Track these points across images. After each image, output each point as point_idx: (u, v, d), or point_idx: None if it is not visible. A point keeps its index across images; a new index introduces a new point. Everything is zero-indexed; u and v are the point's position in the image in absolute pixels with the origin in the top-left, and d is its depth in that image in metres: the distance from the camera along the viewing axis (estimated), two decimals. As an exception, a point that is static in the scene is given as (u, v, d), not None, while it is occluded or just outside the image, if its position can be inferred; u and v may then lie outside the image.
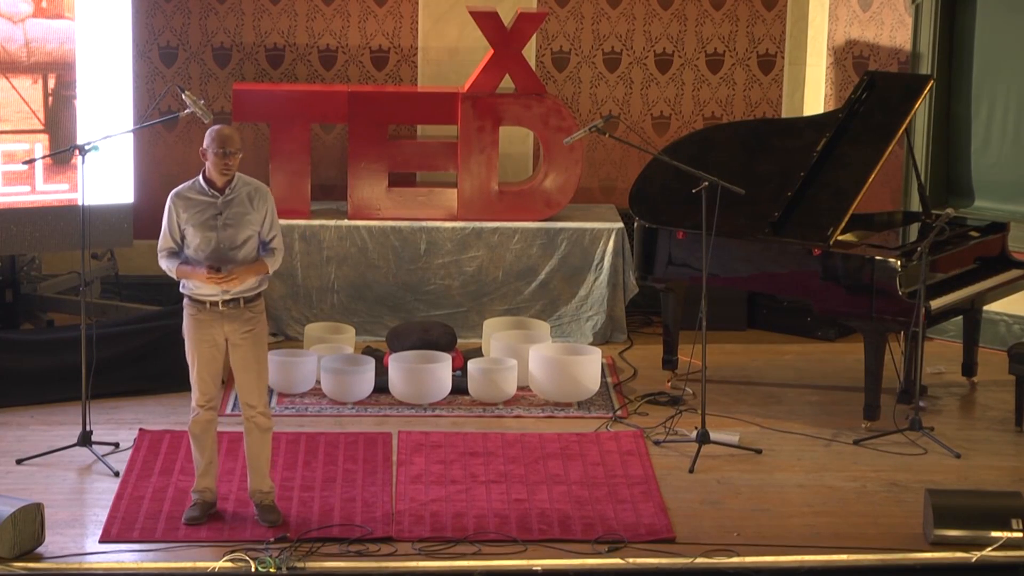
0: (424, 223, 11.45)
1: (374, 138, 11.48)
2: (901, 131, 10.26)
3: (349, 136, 11.51)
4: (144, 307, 11.14)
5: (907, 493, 8.92)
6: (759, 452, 9.48)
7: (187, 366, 10.32)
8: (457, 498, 8.72)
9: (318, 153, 12.02)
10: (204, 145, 8.18)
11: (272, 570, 7.83)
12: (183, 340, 10.32)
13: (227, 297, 8.22)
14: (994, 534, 8.20)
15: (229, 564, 7.87)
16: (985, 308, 10.92)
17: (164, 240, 8.26)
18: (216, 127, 8.20)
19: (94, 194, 10.18)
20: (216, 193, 8.21)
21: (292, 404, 10.18)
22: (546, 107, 11.52)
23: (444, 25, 12.08)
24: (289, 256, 11.31)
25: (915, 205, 11.41)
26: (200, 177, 8.25)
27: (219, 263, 8.14)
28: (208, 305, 8.25)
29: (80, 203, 9.39)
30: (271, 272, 8.36)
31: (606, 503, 8.70)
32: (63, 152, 10.03)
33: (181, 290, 8.33)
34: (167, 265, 8.27)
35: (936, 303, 9.82)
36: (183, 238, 8.23)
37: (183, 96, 9.70)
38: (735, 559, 8.08)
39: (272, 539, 8.12)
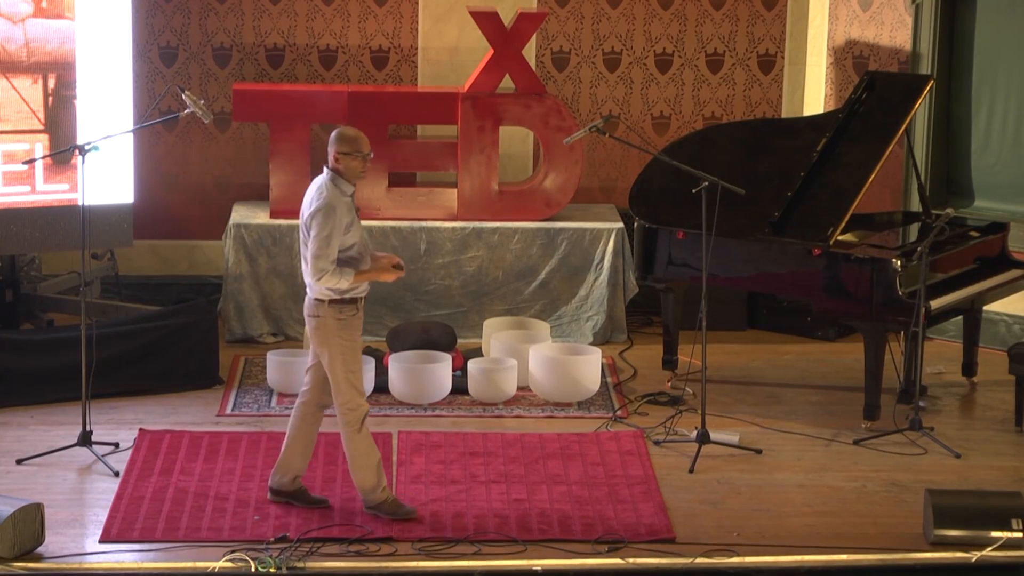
0: (424, 223, 11.45)
1: (374, 138, 11.38)
2: (901, 131, 10.26)
3: (349, 136, 11.50)
4: (144, 307, 11.13)
5: (907, 493, 8.92)
6: (759, 452, 9.48)
7: (188, 367, 10.38)
8: (457, 498, 8.72)
9: (318, 153, 12.01)
10: (338, 149, 8.20)
11: (272, 570, 7.83)
12: (183, 340, 10.39)
13: (366, 294, 8.35)
14: (994, 534, 8.20)
15: (229, 564, 7.87)
16: (985, 308, 10.92)
17: (333, 253, 8.13)
18: (343, 129, 8.27)
19: (94, 194, 10.19)
20: (353, 189, 8.29)
21: (292, 404, 10.15)
22: (546, 107, 11.52)
23: (444, 25, 12.08)
24: (289, 256, 11.31)
25: (915, 205, 11.41)
26: (334, 180, 8.23)
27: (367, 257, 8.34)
28: (361, 303, 8.32)
29: (80, 203, 9.39)
30: None
31: (606, 503, 8.70)
32: (63, 152, 10.03)
33: (332, 296, 8.20)
34: (340, 276, 8.13)
35: (936, 303, 9.82)
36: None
37: (183, 96, 9.70)
38: (735, 559, 8.08)
39: (272, 539, 8.12)
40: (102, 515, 8.42)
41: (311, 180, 11.43)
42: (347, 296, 8.24)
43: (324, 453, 9.29)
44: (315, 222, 8.15)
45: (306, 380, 8.55)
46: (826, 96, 12.17)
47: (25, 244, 10.90)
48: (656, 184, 10.66)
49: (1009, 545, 8.18)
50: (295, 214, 11.35)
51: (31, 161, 10.48)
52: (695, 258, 9.98)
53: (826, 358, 11.32)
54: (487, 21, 11.45)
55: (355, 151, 8.20)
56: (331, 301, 8.22)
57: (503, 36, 11.45)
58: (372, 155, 8.30)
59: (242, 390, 10.41)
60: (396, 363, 10.22)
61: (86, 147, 9.16)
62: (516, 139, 12.11)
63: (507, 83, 11.56)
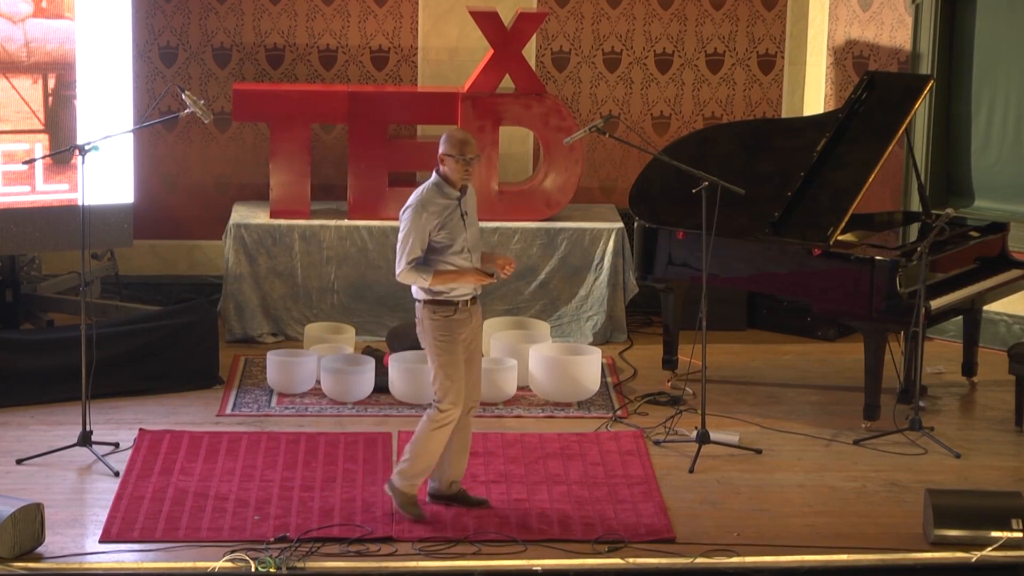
0: (424, 223, 11.44)
1: (374, 138, 11.48)
2: (901, 131, 10.26)
3: (349, 136, 11.51)
4: (144, 307, 11.14)
5: (907, 493, 8.92)
6: (759, 452, 9.48)
7: (188, 367, 10.38)
8: (457, 498, 8.73)
9: (318, 153, 12.02)
10: (442, 151, 8.19)
11: (272, 570, 7.83)
12: (183, 340, 10.40)
13: (475, 294, 8.31)
14: (994, 534, 8.20)
15: (229, 564, 7.87)
16: (985, 308, 10.92)
17: (412, 252, 8.16)
18: (451, 131, 8.26)
19: (94, 194, 10.19)
20: (458, 193, 8.24)
21: (292, 404, 10.18)
22: (546, 107, 11.52)
23: (444, 25, 12.08)
24: (289, 256, 11.32)
25: (915, 205, 11.41)
26: (438, 180, 8.23)
27: (474, 259, 8.27)
28: (462, 304, 8.26)
29: (80, 203, 9.39)
30: None
31: (606, 503, 8.70)
32: (63, 152, 10.03)
33: (425, 296, 8.24)
34: (417, 275, 8.17)
35: (936, 303, 9.82)
36: (429, 245, 8.21)
37: (183, 96, 9.70)
38: (735, 559, 8.08)
39: (272, 539, 8.12)
40: (102, 515, 8.42)
41: (310, 180, 11.57)
42: (441, 297, 8.24)
43: (324, 453, 9.29)
44: (402, 219, 8.22)
45: None
46: (826, 96, 12.17)
47: (25, 244, 10.90)
48: (656, 184, 10.66)
49: (1009, 545, 8.18)
50: (295, 214, 11.43)
51: (31, 161, 10.48)
52: (695, 258, 9.98)
53: (826, 358, 11.32)
54: (487, 21, 11.45)
55: (457, 154, 8.17)
56: (426, 301, 8.26)
57: (503, 36, 11.45)
58: (477, 158, 8.23)
59: (242, 390, 10.41)
60: (396, 363, 10.21)
61: (86, 147, 9.16)
62: (516, 139, 12.11)
63: (507, 83, 11.56)
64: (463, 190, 8.27)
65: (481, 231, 8.55)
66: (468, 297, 8.29)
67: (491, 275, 8.27)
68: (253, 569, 7.83)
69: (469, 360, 8.38)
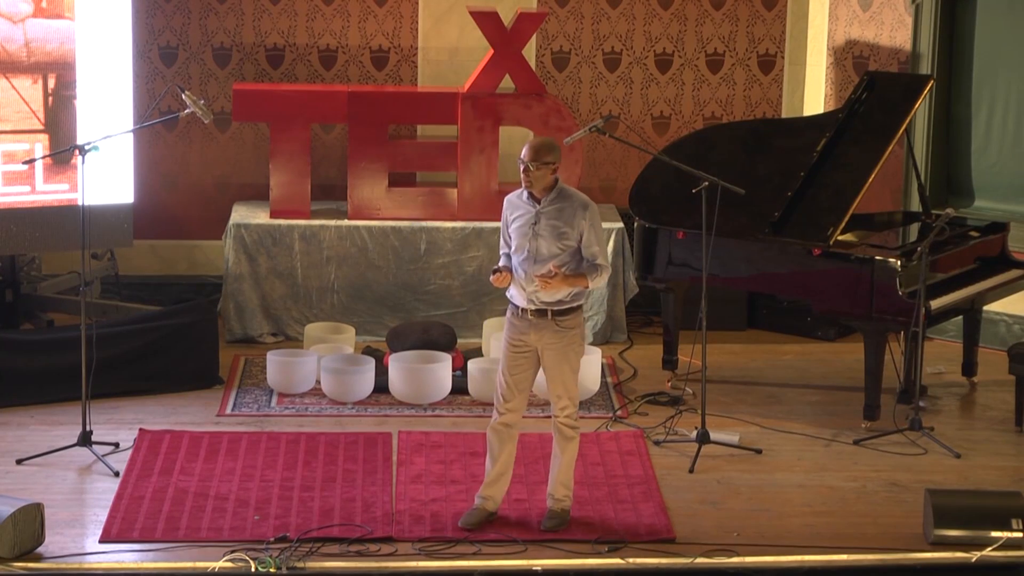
0: (424, 223, 11.45)
1: (374, 138, 11.48)
2: (901, 131, 10.26)
3: (349, 136, 11.51)
4: (144, 307, 11.14)
5: (907, 493, 8.92)
6: (759, 452, 9.48)
7: (188, 367, 10.42)
8: (457, 498, 8.72)
9: (318, 153, 12.02)
10: None
11: (272, 570, 7.83)
12: (183, 340, 10.42)
13: (534, 307, 8.17)
14: (994, 534, 8.21)
15: (229, 564, 7.87)
16: (985, 308, 10.92)
17: (501, 241, 8.32)
18: (530, 139, 8.21)
19: (94, 194, 10.19)
20: (535, 203, 8.19)
21: (292, 404, 10.18)
22: (546, 107, 11.52)
23: (444, 25, 12.08)
24: (289, 256, 11.32)
25: (915, 205, 11.41)
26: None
27: (531, 271, 8.13)
28: (520, 311, 8.22)
29: (80, 203, 9.40)
30: (591, 287, 8.21)
31: (606, 503, 8.70)
32: (63, 152, 10.04)
33: (507, 293, 8.32)
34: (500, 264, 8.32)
35: (936, 303, 9.82)
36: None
37: (183, 96, 9.71)
38: (735, 559, 8.08)
39: (272, 539, 8.12)
40: (102, 515, 8.42)
41: (310, 180, 11.57)
42: (509, 296, 8.26)
43: (324, 453, 9.29)
44: None
45: None
46: (826, 96, 12.17)
47: (25, 244, 10.90)
48: (656, 184, 10.66)
49: (1009, 545, 8.18)
50: (295, 214, 11.43)
51: (31, 161, 10.49)
52: (695, 258, 9.98)
53: (826, 358, 11.32)
54: (487, 21, 11.45)
55: (520, 161, 8.14)
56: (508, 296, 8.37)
57: (503, 36, 11.45)
58: (534, 164, 8.03)
59: (242, 390, 10.41)
60: (396, 363, 10.22)
61: (86, 147, 9.16)
62: (516, 139, 12.10)
63: (507, 83, 11.56)
64: (541, 201, 8.14)
65: (589, 248, 8.15)
66: (528, 307, 8.18)
67: (497, 271, 8.22)
68: (253, 569, 7.83)
69: (546, 374, 8.32)
